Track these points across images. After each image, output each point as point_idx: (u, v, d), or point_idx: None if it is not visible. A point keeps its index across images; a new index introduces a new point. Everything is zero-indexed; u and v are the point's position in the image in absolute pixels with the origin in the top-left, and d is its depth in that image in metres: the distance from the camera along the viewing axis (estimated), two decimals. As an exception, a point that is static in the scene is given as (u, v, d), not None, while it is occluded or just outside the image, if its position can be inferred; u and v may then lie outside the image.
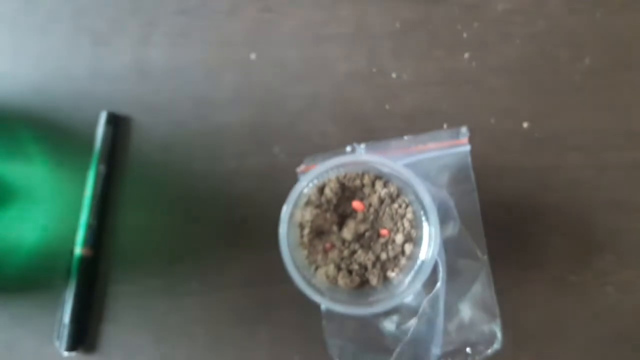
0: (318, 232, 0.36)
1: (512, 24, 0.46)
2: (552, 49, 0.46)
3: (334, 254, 0.36)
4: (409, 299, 0.34)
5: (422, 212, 0.35)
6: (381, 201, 0.36)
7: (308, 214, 0.36)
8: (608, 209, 0.44)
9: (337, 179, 0.36)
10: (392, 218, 0.36)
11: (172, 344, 0.44)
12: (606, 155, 0.45)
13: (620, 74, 0.45)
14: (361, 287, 0.36)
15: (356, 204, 0.36)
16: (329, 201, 0.36)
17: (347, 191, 0.36)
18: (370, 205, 0.36)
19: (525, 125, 0.45)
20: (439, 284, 0.42)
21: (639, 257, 0.44)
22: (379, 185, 0.36)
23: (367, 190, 0.36)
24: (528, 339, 0.44)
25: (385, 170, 0.36)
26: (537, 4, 0.46)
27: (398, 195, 0.36)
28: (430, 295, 0.41)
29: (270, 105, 0.46)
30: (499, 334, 0.42)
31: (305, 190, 0.36)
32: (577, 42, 0.46)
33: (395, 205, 0.36)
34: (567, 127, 0.45)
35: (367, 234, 0.36)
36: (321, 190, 0.36)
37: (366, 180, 0.36)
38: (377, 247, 0.35)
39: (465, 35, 0.46)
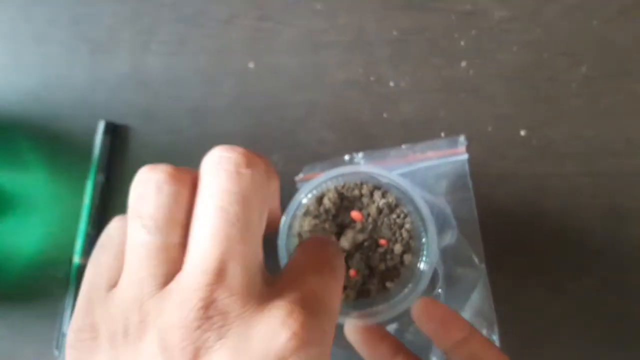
0: None
1: (509, 32, 0.46)
2: (549, 57, 0.46)
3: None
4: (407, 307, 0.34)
5: (420, 222, 0.35)
6: (380, 211, 0.36)
7: (306, 224, 0.36)
8: (606, 215, 0.44)
9: (336, 188, 0.36)
10: (390, 228, 0.36)
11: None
12: (603, 162, 0.45)
13: (616, 82, 0.45)
14: (360, 297, 0.36)
15: (355, 214, 0.36)
16: (327, 211, 0.36)
17: (345, 201, 0.37)
18: (368, 215, 0.36)
19: (522, 133, 0.45)
20: (437, 292, 0.42)
21: (637, 264, 0.44)
22: (377, 195, 0.36)
23: (365, 200, 0.36)
24: (526, 346, 0.44)
25: (384, 180, 0.36)
26: (534, 12, 0.46)
27: (396, 206, 0.36)
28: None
29: (269, 113, 0.46)
30: (497, 342, 0.42)
31: (304, 201, 0.36)
32: (574, 50, 0.46)
33: (394, 216, 0.36)
34: (564, 134, 0.45)
35: (365, 244, 0.36)
36: (320, 200, 0.36)
37: (365, 190, 0.37)
38: (376, 257, 0.35)
39: (462, 43, 0.46)
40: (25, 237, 0.45)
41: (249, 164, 0.22)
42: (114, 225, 0.25)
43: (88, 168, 0.45)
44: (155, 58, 0.47)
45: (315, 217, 0.36)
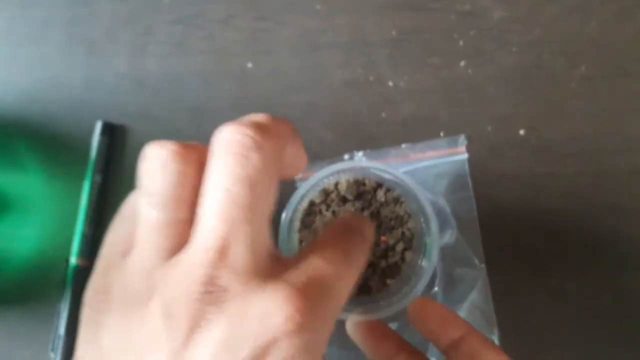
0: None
1: (508, 32, 0.46)
2: (548, 57, 0.46)
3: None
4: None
5: (422, 220, 0.35)
6: (382, 208, 0.36)
7: (318, 220, 0.36)
8: (605, 215, 0.44)
9: (347, 181, 0.36)
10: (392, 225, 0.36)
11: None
12: (602, 161, 0.45)
13: (615, 81, 0.45)
14: (360, 294, 0.35)
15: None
16: (342, 198, 0.36)
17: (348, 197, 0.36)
18: (371, 211, 0.36)
19: (521, 132, 0.45)
20: (435, 290, 0.42)
21: (637, 263, 0.44)
22: (380, 192, 0.36)
23: (368, 196, 0.36)
24: (526, 347, 0.43)
25: (386, 176, 0.36)
26: (533, 12, 0.46)
27: (399, 202, 0.36)
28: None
29: (267, 113, 0.46)
30: (496, 342, 0.42)
31: (307, 196, 0.36)
32: (572, 50, 0.46)
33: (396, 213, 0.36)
34: (563, 134, 0.45)
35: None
36: (325, 195, 0.36)
37: (367, 186, 0.36)
38: (377, 254, 0.35)
39: (461, 43, 0.46)
40: (21, 237, 0.45)
41: (256, 147, 0.22)
42: (133, 197, 0.26)
43: (85, 169, 0.45)
44: (153, 59, 0.47)
45: (319, 213, 0.36)
